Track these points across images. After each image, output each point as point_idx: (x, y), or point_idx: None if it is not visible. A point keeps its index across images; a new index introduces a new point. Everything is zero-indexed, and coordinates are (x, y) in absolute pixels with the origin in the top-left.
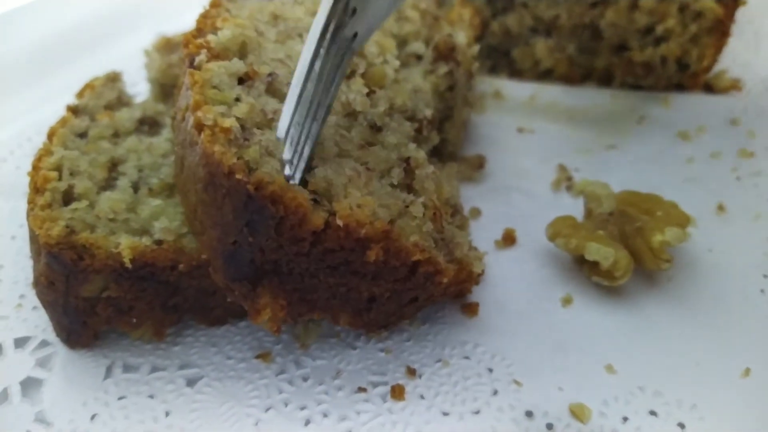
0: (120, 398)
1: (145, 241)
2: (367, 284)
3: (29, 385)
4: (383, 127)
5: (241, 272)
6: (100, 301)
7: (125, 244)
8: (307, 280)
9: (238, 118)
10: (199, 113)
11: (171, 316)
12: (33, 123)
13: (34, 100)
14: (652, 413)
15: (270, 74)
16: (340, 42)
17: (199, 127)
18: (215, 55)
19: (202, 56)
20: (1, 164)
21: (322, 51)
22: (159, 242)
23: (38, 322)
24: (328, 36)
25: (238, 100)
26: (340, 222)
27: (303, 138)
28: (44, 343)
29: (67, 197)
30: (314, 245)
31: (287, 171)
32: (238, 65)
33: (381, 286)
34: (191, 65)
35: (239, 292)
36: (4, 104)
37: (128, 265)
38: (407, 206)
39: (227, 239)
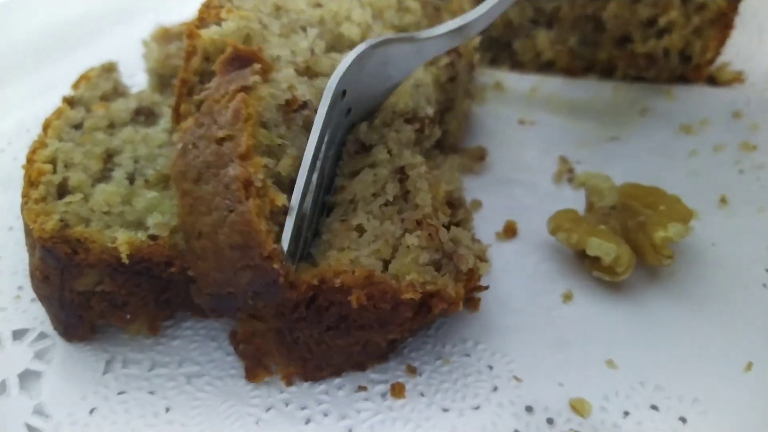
0: (120, 393)
1: (141, 235)
2: (377, 334)
3: (27, 378)
4: (373, 145)
5: (224, 311)
6: (95, 295)
7: (122, 239)
8: (314, 347)
9: (279, 174)
10: (251, 168)
11: (164, 311)
12: (31, 114)
13: (32, 91)
14: (654, 407)
15: (305, 103)
16: (338, 139)
17: (248, 184)
18: (266, 71)
19: (257, 78)
20: None
21: (318, 162)
22: (154, 237)
23: (37, 314)
24: (324, 146)
25: (281, 146)
26: (315, 280)
27: (304, 238)
28: (42, 336)
29: (62, 190)
30: (307, 307)
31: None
32: (285, 94)
33: (394, 332)
34: (238, 83)
35: (239, 351)
36: (1, 95)
37: (125, 260)
38: (400, 238)
39: (225, 288)
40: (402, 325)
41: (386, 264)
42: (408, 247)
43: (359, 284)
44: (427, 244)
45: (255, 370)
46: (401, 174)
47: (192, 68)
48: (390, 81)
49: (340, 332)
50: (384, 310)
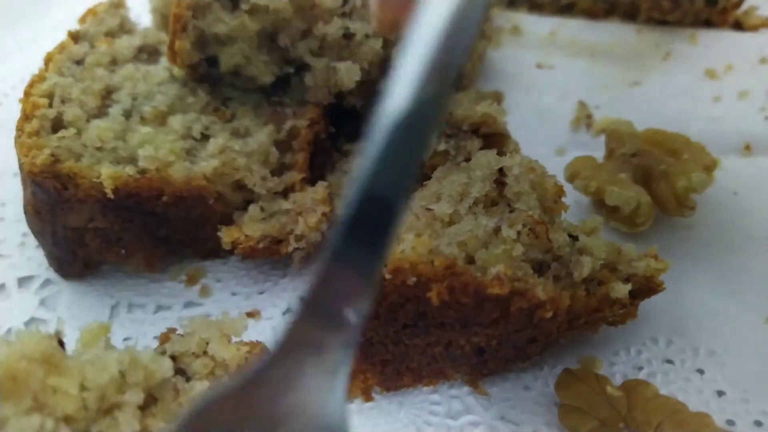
0: (125, 339)
1: (129, 170)
2: (459, 335)
3: (33, 326)
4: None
5: None
6: (88, 231)
7: (106, 174)
8: (392, 348)
9: None
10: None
11: (161, 248)
12: (39, 55)
13: (40, 31)
14: (668, 361)
15: None
16: None
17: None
18: None
19: None
20: (3, 99)
21: None
22: (143, 171)
23: (41, 260)
24: None
25: None
26: (385, 270)
27: None
28: (48, 282)
29: (57, 125)
30: (379, 304)
31: None
32: None
33: (479, 335)
34: None
35: None
36: (9, 35)
37: (110, 195)
38: (497, 230)
39: None
40: (489, 328)
41: (471, 259)
42: (503, 239)
43: (439, 276)
44: (530, 241)
45: None
46: (499, 173)
47: (185, 3)
48: None
49: (418, 330)
50: (466, 306)
